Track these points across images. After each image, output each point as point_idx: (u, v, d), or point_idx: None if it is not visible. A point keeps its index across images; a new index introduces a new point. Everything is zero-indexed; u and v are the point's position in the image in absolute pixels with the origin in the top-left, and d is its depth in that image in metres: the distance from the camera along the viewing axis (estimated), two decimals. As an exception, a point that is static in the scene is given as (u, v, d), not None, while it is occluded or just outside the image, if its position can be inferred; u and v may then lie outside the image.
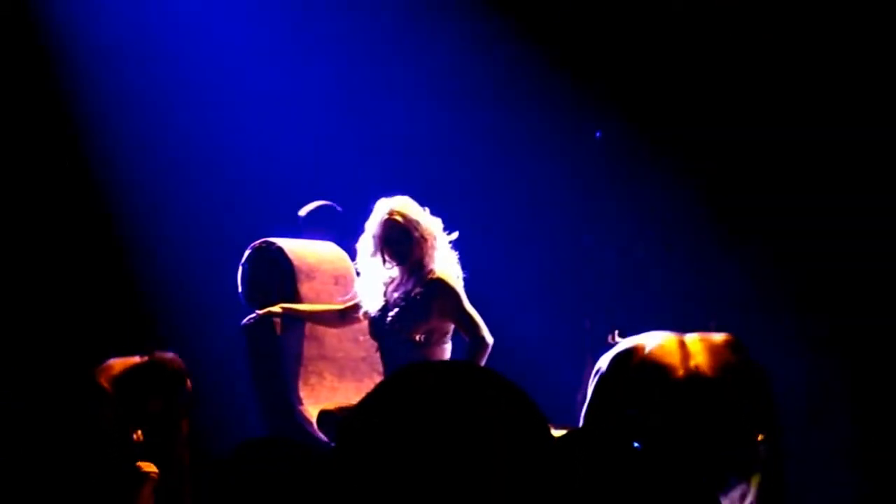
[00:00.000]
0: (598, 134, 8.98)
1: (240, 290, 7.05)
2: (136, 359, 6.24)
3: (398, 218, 6.49)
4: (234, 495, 2.85)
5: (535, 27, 9.01)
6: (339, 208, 7.91)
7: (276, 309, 6.90)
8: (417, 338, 6.49)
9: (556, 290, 8.64)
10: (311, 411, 6.79)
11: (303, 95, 9.41)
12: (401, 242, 6.50)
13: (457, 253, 6.60)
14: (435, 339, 6.52)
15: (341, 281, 7.09)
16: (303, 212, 7.92)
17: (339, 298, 6.91)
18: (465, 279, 6.58)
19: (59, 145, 9.30)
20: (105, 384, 6.26)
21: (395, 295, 6.58)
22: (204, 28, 9.31)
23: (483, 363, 6.37)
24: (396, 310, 6.53)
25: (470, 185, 9.12)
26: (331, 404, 6.73)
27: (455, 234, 6.60)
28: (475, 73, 9.16)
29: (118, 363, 6.24)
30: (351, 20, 9.34)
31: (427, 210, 6.59)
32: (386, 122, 9.33)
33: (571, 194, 8.74)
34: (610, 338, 7.19)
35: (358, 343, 6.93)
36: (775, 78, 8.48)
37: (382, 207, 6.54)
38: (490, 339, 6.42)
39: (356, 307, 6.72)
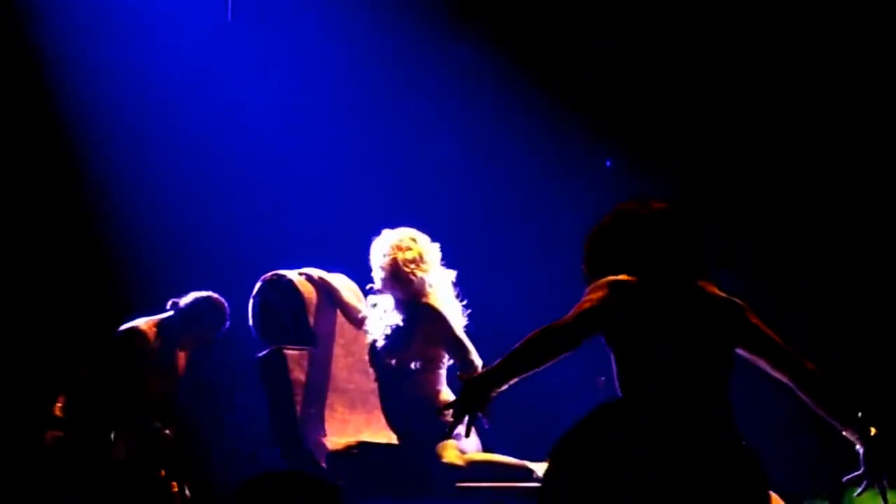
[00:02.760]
0: (608, 163, 8.97)
1: (251, 322, 7.04)
2: None
3: (389, 252, 6.58)
4: None
5: (545, 59, 9.01)
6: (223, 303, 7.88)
7: (307, 270, 6.97)
8: (412, 365, 6.52)
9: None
10: (323, 443, 6.77)
11: (315, 123, 9.43)
12: (393, 276, 6.58)
13: (455, 287, 6.64)
14: (426, 366, 6.56)
15: (351, 312, 7.09)
16: (184, 301, 7.87)
17: (353, 329, 6.93)
18: (476, 314, 6.58)
19: (66, 181, 9.32)
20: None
21: (387, 324, 6.66)
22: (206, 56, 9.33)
23: None
24: (385, 338, 6.62)
25: (483, 219, 9.11)
26: (341, 441, 6.72)
27: (453, 273, 6.64)
28: (487, 103, 9.16)
29: None
30: (364, 49, 9.35)
31: (426, 239, 6.65)
32: (396, 148, 9.33)
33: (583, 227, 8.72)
34: (599, 382, 7.17)
35: (368, 375, 6.92)
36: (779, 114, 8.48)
37: (377, 241, 6.65)
38: (479, 362, 6.45)
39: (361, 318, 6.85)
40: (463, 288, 6.72)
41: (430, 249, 6.66)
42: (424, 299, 6.58)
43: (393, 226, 6.75)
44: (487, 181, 9.21)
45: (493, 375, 4.50)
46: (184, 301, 7.77)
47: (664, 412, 4.43)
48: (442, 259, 6.70)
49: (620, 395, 4.54)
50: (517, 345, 4.49)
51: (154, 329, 7.69)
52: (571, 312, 4.56)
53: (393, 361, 6.60)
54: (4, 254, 9.27)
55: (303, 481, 2.90)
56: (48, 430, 7.60)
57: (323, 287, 7.06)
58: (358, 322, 6.89)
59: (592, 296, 4.60)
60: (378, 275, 6.65)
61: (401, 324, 6.62)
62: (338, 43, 9.38)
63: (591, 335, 4.60)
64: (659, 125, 8.83)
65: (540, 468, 6.42)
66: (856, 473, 4.66)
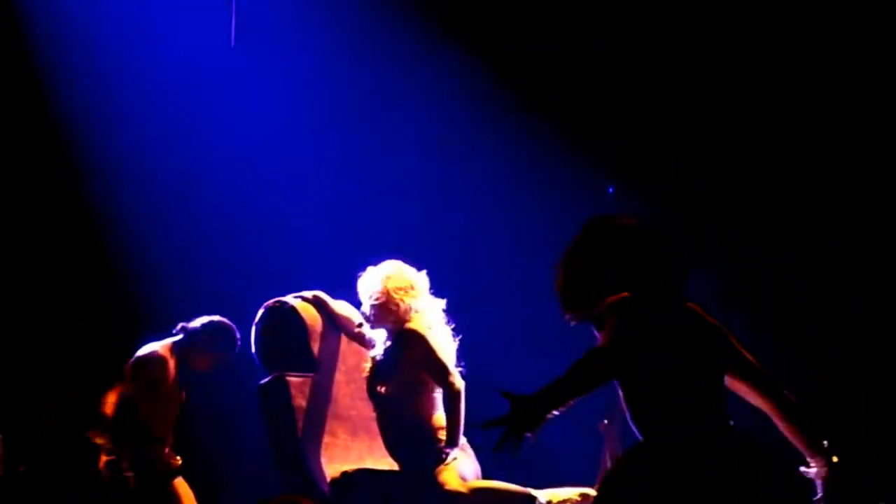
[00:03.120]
0: (610, 189, 8.98)
1: (253, 349, 7.06)
2: None
3: (380, 284, 6.66)
4: None
5: (547, 87, 9.03)
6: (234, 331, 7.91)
7: (309, 295, 7.06)
8: (400, 393, 6.60)
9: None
10: (325, 470, 6.78)
11: (316, 142, 9.47)
12: (384, 307, 6.65)
13: (444, 315, 6.72)
14: (418, 392, 6.61)
15: (354, 338, 7.11)
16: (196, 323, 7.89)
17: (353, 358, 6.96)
18: (467, 341, 6.64)
19: (73, 198, 9.36)
20: None
21: (377, 354, 6.73)
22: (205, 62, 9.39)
23: (460, 408, 6.51)
24: (374, 368, 6.71)
25: (483, 247, 9.12)
26: (343, 468, 6.73)
27: (443, 301, 6.71)
28: (485, 128, 9.18)
29: None
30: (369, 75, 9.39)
31: (413, 270, 6.72)
32: (395, 175, 9.36)
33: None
34: (601, 426, 7.18)
35: (369, 402, 6.93)
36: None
37: (364, 276, 6.73)
38: (459, 385, 6.53)
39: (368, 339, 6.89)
40: (454, 315, 6.78)
41: (418, 279, 6.72)
42: (407, 325, 6.63)
43: (389, 252, 6.81)
44: (481, 202, 9.23)
45: (544, 399, 4.43)
46: (193, 325, 7.78)
47: (699, 447, 4.48)
48: (431, 288, 6.75)
49: (639, 427, 4.55)
50: (565, 372, 4.45)
51: (170, 354, 7.71)
52: (610, 342, 4.52)
53: (383, 389, 6.65)
54: (8, 254, 9.30)
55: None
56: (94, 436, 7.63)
57: (326, 313, 7.09)
58: (365, 342, 6.91)
59: (622, 326, 4.57)
60: (368, 308, 6.70)
61: (388, 352, 6.68)
62: (334, 62, 9.42)
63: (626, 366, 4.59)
64: (658, 125, 8.84)
65: (541, 495, 6.44)
66: (818, 498, 4.71)
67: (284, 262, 8.81)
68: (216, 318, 7.75)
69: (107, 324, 9.33)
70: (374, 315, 6.69)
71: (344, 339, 7.12)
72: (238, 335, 7.59)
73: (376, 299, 6.66)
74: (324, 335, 7.07)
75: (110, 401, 7.51)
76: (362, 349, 6.99)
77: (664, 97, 8.77)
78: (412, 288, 6.66)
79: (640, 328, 4.55)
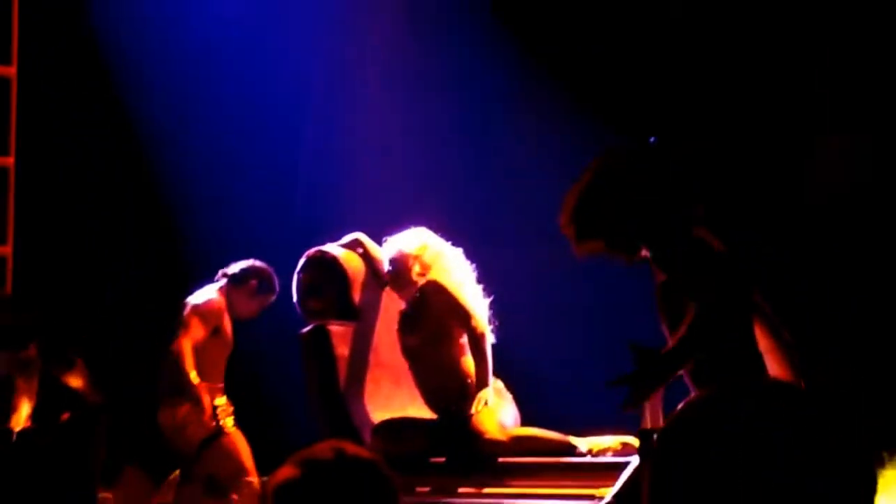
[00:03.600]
0: (652, 140, 8.95)
1: (294, 298, 7.09)
2: None
3: (392, 257, 6.79)
4: None
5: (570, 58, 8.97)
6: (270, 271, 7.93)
7: (349, 238, 7.12)
8: (428, 345, 6.65)
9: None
10: (369, 419, 6.82)
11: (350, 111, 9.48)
12: (399, 278, 6.77)
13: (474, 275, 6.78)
14: (443, 341, 6.64)
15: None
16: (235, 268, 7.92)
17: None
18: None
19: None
20: None
21: (403, 310, 6.81)
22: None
23: (486, 350, 6.53)
24: (401, 322, 6.79)
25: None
26: (386, 415, 6.77)
27: (460, 250, 6.82)
28: (508, 104, 9.15)
29: None
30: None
31: (438, 242, 6.79)
32: (421, 149, 9.36)
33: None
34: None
35: (411, 351, 6.97)
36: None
37: (390, 241, 6.88)
38: (482, 327, 6.58)
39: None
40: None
41: (442, 249, 6.80)
42: (427, 277, 6.70)
43: (426, 214, 6.88)
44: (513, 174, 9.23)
45: (671, 359, 4.45)
46: (233, 271, 7.81)
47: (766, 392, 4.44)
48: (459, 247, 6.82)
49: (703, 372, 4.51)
50: (688, 331, 4.40)
51: (223, 299, 7.76)
52: (723, 294, 4.49)
53: (411, 342, 6.71)
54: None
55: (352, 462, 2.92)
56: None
57: (367, 258, 7.11)
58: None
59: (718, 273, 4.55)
60: (390, 275, 6.84)
61: (413, 306, 6.74)
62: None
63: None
64: (657, 124, 8.80)
65: (582, 443, 6.45)
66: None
67: (324, 213, 8.83)
68: (255, 261, 7.79)
69: (154, 274, 9.39)
70: (392, 280, 6.81)
71: (385, 288, 7.15)
72: (277, 280, 7.64)
73: (394, 266, 6.75)
74: (365, 284, 7.10)
75: (180, 349, 7.53)
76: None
77: (660, 96, 8.72)
78: (433, 257, 6.73)
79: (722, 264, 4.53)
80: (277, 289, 7.62)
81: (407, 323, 6.75)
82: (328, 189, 9.26)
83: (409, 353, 6.76)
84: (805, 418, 1.65)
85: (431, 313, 6.65)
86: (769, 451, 1.62)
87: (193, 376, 7.42)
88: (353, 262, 7.11)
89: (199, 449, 7.75)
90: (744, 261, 4.66)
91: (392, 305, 7.09)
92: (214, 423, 7.63)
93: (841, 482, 1.62)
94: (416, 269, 6.72)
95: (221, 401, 7.77)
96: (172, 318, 7.84)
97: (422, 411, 6.84)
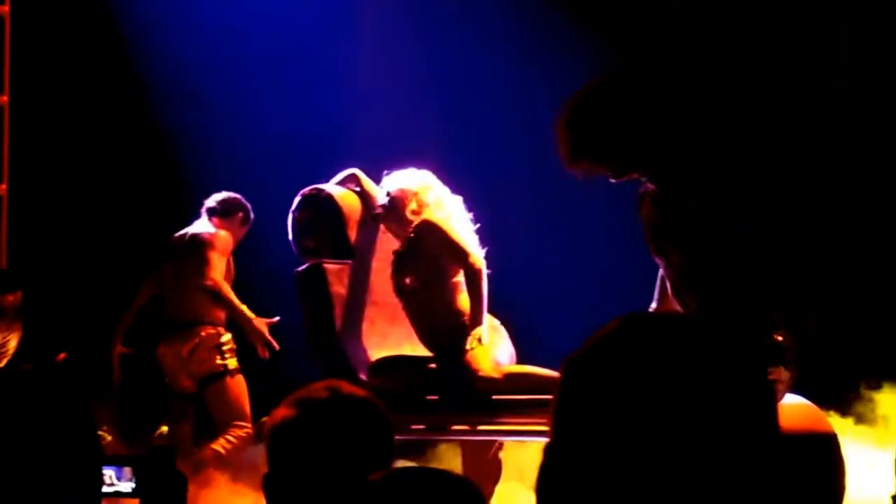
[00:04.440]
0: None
1: (290, 237, 7.08)
2: None
3: (397, 193, 6.72)
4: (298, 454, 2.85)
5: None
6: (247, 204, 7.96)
7: (345, 173, 7.10)
8: (422, 283, 6.64)
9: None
10: (363, 357, 6.84)
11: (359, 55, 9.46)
12: (392, 212, 6.73)
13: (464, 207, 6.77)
14: (437, 280, 6.63)
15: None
16: (211, 201, 7.94)
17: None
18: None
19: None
20: None
21: (396, 248, 6.78)
22: None
23: (481, 287, 6.51)
24: (395, 261, 6.75)
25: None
26: (381, 353, 6.79)
27: (460, 198, 6.77)
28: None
29: None
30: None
31: (437, 187, 6.74)
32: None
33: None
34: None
35: (407, 289, 6.97)
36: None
37: (390, 177, 6.81)
38: (479, 263, 6.55)
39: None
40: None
41: (443, 195, 6.76)
42: (421, 216, 6.67)
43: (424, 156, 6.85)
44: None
45: None
46: (215, 203, 7.84)
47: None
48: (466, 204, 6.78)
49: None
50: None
51: (228, 233, 7.80)
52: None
53: (407, 281, 6.68)
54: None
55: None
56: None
57: (364, 199, 7.11)
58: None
59: None
60: (382, 208, 6.80)
61: (407, 243, 6.71)
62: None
63: None
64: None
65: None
66: None
67: (320, 150, 8.81)
68: (231, 193, 7.83)
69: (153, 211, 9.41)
70: (385, 215, 6.78)
71: (381, 226, 7.14)
72: None
73: (391, 201, 6.72)
74: (361, 222, 7.09)
75: (216, 283, 7.54)
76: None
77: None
78: (432, 198, 6.71)
79: None
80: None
81: (401, 262, 6.74)
82: (326, 130, 9.25)
83: (402, 292, 6.75)
84: (709, 349, 1.61)
85: (426, 252, 6.64)
86: (676, 383, 1.58)
87: (245, 308, 7.46)
88: (348, 200, 7.10)
89: (199, 387, 7.77)
90: (745, 253, 4.66)
91: (388, 244, 7.09)
92: (222, 361, 7.65)
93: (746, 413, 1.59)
94: (413, 206, 6.70)
95: (227, 337, 7.80)
96: (161, 255, 7.85)
97: (417, 349, 6.86)
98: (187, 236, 7.89)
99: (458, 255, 6.60)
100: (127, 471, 2.87)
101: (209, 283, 7.62)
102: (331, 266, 7.00)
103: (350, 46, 9.61)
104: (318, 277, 6.96)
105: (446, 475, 2.19)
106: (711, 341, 1.60)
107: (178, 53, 9.48)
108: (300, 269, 7.03)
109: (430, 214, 6.67)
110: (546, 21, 9.04)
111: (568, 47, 8.72)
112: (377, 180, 7.02)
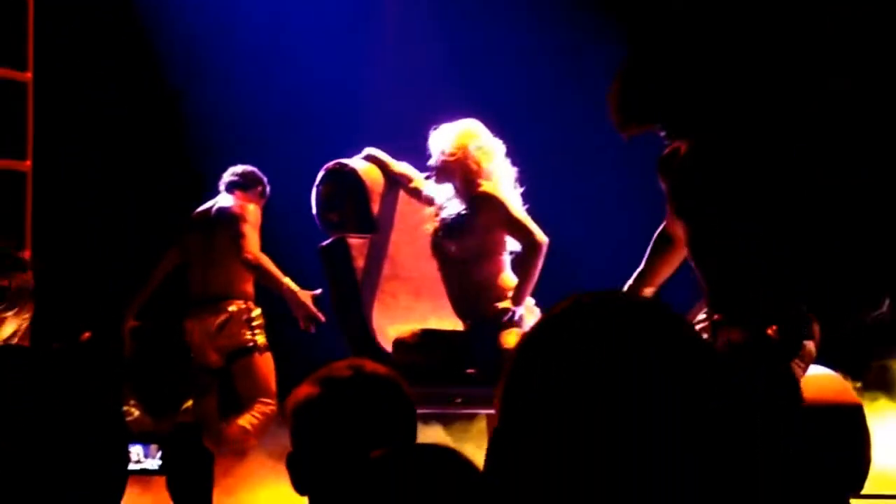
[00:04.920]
0: None
1: (314, 211, 7.09)
2: None
3: (455, 141, 6.55)
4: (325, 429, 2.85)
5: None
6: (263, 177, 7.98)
7: (365, 153, 7.03)
8: (472, 255, 6.56)
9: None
10: (388, 331, 6.84)
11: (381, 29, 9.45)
12: (458, 165, 6.54)
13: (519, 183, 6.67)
14: (488, 254, 6.58)
15: (414, 201, 7.13)
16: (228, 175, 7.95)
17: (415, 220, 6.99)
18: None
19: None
20: None
21: (446, 214, 6.66)
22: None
23: (539, 264, 6.46)
24: (445, 228, 6.63)
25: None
26: (406, 327, 6.78)
27: (515, 170, 6.65)
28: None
29: None
30: None
31: (489, 133, 6.62)
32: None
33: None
34: None
35: (432, 262, 6.96)
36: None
37: (439, 130, 6.63)
38: (544, 239, 6.46)
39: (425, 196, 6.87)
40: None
41: (494, 143, 6.63)
42: (481, 188, 6.56)
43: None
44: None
45: (632, 286, 5.00)
46: (234, 178, 7.85)
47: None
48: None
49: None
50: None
51: (255, 206, 7.85)
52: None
53: (453, 248, 6.62)
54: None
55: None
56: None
57: (385, 172, 7.09)
58: (422, 199, 6.89)
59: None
60: (438, 160, 6.61)
61: (461, 213, 6.61)
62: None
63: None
64: None
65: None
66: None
67: (346, 125, 8.82)
68: (248, 166, 7.85)
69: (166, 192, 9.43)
70: (443, 169, 6.61)
71: (404, 199, 7.13)
72: None
73: (450, 154, 6.56)
74: (384, 196, 7.09)
75: (257, 258, 7.56)
76: (422, 209, 7.01)
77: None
78: (490, 149, 6.59)
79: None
80: None
81: (450, 231, 6.61)
82: (348, 111, 9.26)
83: (445, 259, 6.67)
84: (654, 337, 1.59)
85: (481, 226, 6.55)
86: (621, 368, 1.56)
87: (289, 280, 7.43)
88: (372, 175, 7.10)
89: (227, 361, 7.77)
90: (749, 255, 4.74)
91: (411, 217, 7.08)
92: (252, 336, 7.65)
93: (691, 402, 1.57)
94: (473, 152, 6.54)
95: (257, 312, 7.79)
96: (179, 231, 7.86)
97: (442, 322, 6.86)
98: (214, 210, 7.87)
99: (522, 230, 6.50)
100: (153, 448, 2.87)
101: (249, 255, 7.59)
102: (355, 240, 7.00)
103: (369, 28, 9.60)
104: (342, 252, 6.97)
105: (449, 452, 2.19)
106: (661, 326, 1.59)
107: (191, 29, 9.50)
108: (324, 243, 7.04)
109: (490, 186, 6.55)
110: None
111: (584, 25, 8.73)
112: (398, 156, 7.01)
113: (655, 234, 5.23)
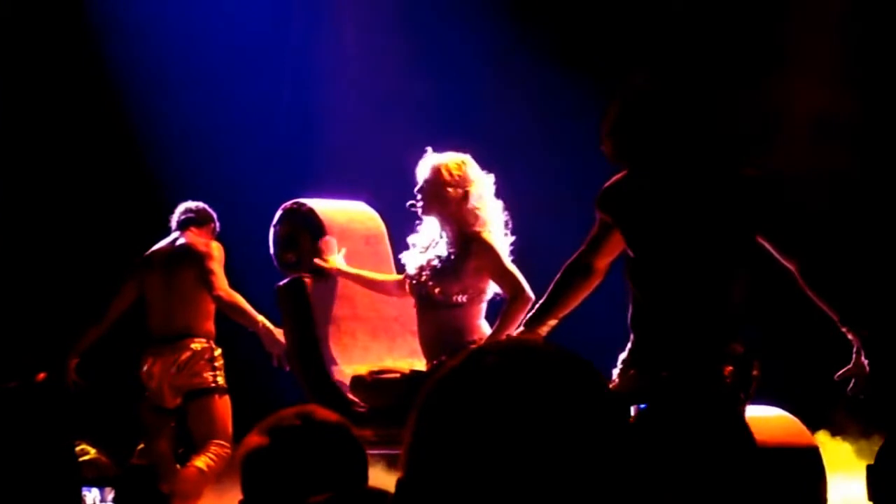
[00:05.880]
0: None
1: (271, 251, 7.07)
2: None
3: (437, 170, 6.41)
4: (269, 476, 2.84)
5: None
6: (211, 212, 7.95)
7: (339, 266, 6.88)
8: (455, 298, 6.47)
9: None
10: (345, 371, 6.82)
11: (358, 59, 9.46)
12: (437, 195, 6.41)
13: (507, 219, 6.55)
14: (470, 299, 6.49)
15: (372, 241, 7.12)
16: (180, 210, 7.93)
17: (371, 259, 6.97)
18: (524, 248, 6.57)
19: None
20: None
21: (433, 254, 6.55)
22: None
23: (519, 318, 6.28)
24: (432, 269, 6.51)
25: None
26: (363, 367, 6.75)
27: (500, 203, 6.51)
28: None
29: None
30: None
31: (475, 165, 6.49)
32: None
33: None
34: None
35: (390, 303, 6.94)
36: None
37: (424, 160, 6.49)
38: (530, 295, 6.26)
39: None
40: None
41: (479, 174, 6.47)
42: (476, 232, 6.43)
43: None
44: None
45: (536, 317, 5.05)
46: (188, 214, 7.82)
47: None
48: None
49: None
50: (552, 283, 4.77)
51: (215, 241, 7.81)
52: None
53: (437, 291, 6.48)
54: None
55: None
56: None
57: (345, 217, 7.08)
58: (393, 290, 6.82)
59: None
60: (433, 190, 6.41)
61: (450, 255, 6.47)
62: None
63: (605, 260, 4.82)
64: None
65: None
66: (846, 369, 4.74)
67: (304, 162, 8.82)
68: (198, 202, 7.83)
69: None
70: (427, 200, 6.44)
71: (362, 240, 7.12)
72: None
73: (435, 184, 6.40)
74: (341, 235, 7.08)
75: (229, 295, 7.50)
76: (381, 250, 7.00)
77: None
78: (484, 187, 6.45)
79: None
80: None
81: (439, 273, 6.46)
82: (308, 143, 9.26)
83: (426, 302, 6.53)
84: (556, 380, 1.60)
85: (470, 269, 6.42)
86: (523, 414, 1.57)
87: (263, 318, 7.36)
88: (329, 214, 7.09)
89: (185, 401, 7.69)
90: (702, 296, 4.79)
91: (370, 258, 7.07)
92: (213, 376, 7.59)
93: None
94: (455, 175, 6.37)
95: (219, 352, 7.73)
96: (131, 270, 7.80)
97: (399, 363, 6.82)
98: (175, 247, 7.79)
99: (510, 283, 6.35)
100: (108, 491, 2.85)
101: (222, 293, 7.53)
102: (312, 280, 6.98)
103: (328, 55, 9.61)
104: (299, 292, 6.94)
105: (386, 496, 2.19)
106: (564, 375, 1.60)
107: (152, 54, 9.49)
108: (281, 283, 7.02)
109: (485, 231, 6.40)
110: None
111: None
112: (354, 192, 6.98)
113: (567, 265, 5.13)
